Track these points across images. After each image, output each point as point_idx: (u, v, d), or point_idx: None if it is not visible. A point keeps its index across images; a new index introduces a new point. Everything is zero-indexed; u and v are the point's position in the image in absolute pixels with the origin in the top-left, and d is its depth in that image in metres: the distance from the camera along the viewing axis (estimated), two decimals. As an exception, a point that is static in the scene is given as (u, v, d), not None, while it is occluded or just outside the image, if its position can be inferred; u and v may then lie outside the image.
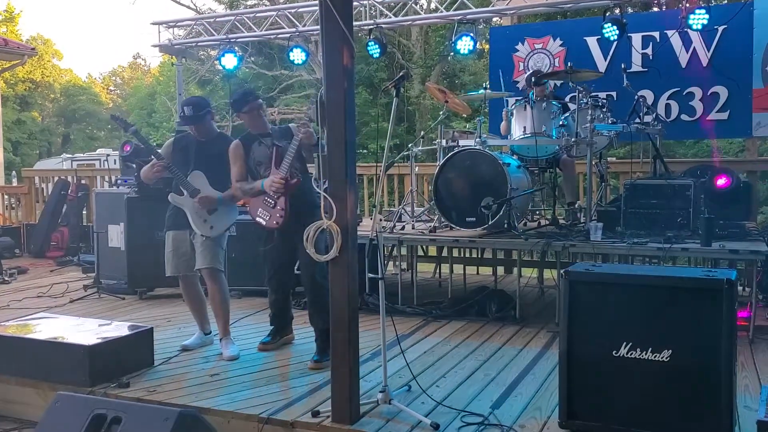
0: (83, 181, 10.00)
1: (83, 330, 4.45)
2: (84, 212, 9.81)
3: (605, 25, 6.86)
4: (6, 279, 7.66)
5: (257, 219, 4.57)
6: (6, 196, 11.23)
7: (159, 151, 4.81)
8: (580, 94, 5.78)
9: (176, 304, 6.11)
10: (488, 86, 6.47)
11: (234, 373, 4.27)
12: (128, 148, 7.20)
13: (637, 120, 6.04)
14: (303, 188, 4.51)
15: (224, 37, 8.98)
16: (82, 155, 24.40)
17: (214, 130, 4.87)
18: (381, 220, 3.57)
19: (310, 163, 4.66)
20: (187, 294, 4.88)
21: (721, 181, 5.97)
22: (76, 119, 40.75)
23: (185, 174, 4.66)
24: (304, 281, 4.56)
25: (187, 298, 4.90)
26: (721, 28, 7.02)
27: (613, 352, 3.13)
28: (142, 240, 6.37)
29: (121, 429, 3.08)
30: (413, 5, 8.62)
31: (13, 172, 16.79)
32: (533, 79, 6.38)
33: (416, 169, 6.90)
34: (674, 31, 7.12)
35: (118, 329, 4.50)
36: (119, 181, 7.56)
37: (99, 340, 4.17)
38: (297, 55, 8.51)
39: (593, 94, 6.24)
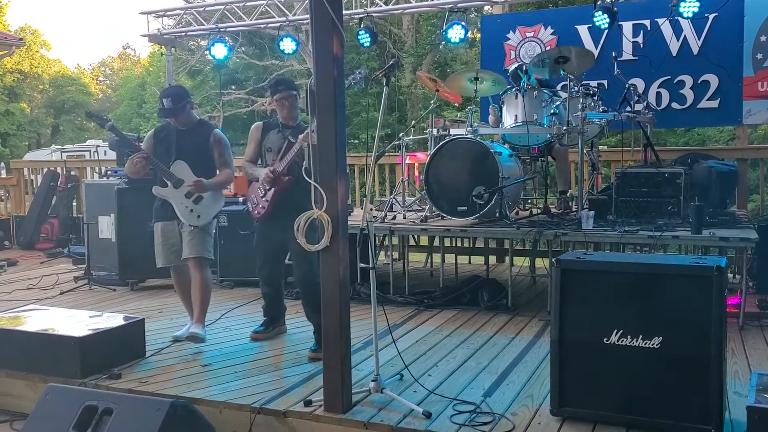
0: (73, 173, 9.95)
1: (74, 321, 4.44)
2: (74, 203, 9.76)
3: (596, 13, 6.84)
4: (-4, 271, 7.63)
5: (248, 204, 4.65)
6: (-5, 188, 11.16)
7: (141, 144, 4.78)
8: (571, 83, 5.78)
9: (168, 295, 6.10)
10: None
11: (226, 363, 4.26)
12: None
13: (628, 108, 6.04)
14: (296, 187, 4.36)
15: (213, 26, 8.91)
16: (71, 146, 24.27)
17: (194, 117, 4.80)
18: (372, 209, 3.56)
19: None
20: (178, 284, 4.85)
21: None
22: (66, 110, 40.52)
23: (167, 165, 4.61)
24: (297, 280, 4.56)
25: (179, 288, 4.87)
26: (711, 16, 7.02)
27: (604, 340, 3.15)
28: (132, 231, 6.34)
29: (112, 420, 3.08)
30: (404, -6, 8.58)
31: (2, 164, 16.70)
32: (519, 73, 6.35)
33: (407, 158, 6.89)
34: (665, 19, 7.11)
35: (110, 320, 4.49)
36: (109, 172, 7.52)
37: (90, 332, 4.15)
38: (287, 45, 8.46)
39: (584, 82, 6.23)
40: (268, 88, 4.81)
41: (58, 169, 9.95)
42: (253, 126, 4.76)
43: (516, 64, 7.01)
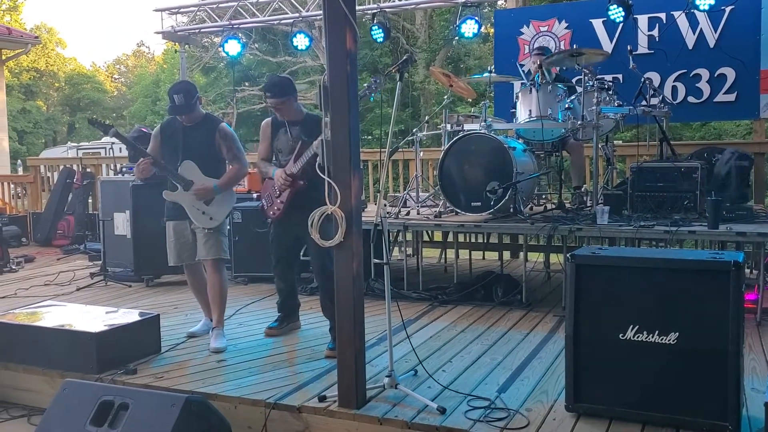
0: (88, 170, 10.01)
1: (90, 317, 4.47)
2: (90, 200, 9.84)
3: (611, 7, 6.79)
4: (13, 267, 7.70)
5: (262, 202, 4.60)
6: (12, 185, 11.27)
7: (148, 145, 4.73)
8: (586, 77, 5.74)
9: (182, 291, 6.13)
10: (493, 70, 6.44)
11: (241, 358, 4.28)
12: (146, 130, 6.94)
13: (644, 102, 5.99)
14: (310, 186, 4.39)
15: (227, 23, 8.95)
16: (87, 144, 24.41)
17: (201, 113, 4.66)
18: (386, 205, 3.56)
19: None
20: (192, 282, 4.86)
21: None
22: (81, 108, 40.78)
23: (175, 167, 4.55)
24: (315, 271, 4.52)
25: (193, 286, 4.88)
26: (728, 9, 6.95)
27: (620, 335, 3.12)
28: (148, 227, 6.36)
29: (128, 415, 3.09)
30: (417, -11, 8.55)
31: (19, 161, 16.86)
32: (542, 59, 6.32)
33: (421, 154, 6.88)
34: (681, 12, 7.05)
35: (125, 316, 4.51)
36: (124, 169, 7.56)
37: (106, 328, 4.18)
38: (300, 41, 8.47)
39: (599, 76, 6.19)
40: (275, 87, 4.52)
41: (74, 166, 10.02)
42: (263, 123, 4.66)
43: (536, 47, 7.01)
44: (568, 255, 3.31)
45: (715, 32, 7.07)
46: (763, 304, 4.84)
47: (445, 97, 6.51)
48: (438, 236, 7.74)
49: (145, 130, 6.92)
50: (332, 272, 3.87)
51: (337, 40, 3.29)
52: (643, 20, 7.34)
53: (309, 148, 4.37)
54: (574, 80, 6.35)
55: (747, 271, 5.74)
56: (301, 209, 4.19)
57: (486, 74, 6.36)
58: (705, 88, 7.15)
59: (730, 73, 7.03)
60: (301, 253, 4.84)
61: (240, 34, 8.92)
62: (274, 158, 4.65)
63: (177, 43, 9.78)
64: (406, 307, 5.40)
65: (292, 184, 4.42)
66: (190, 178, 4.54)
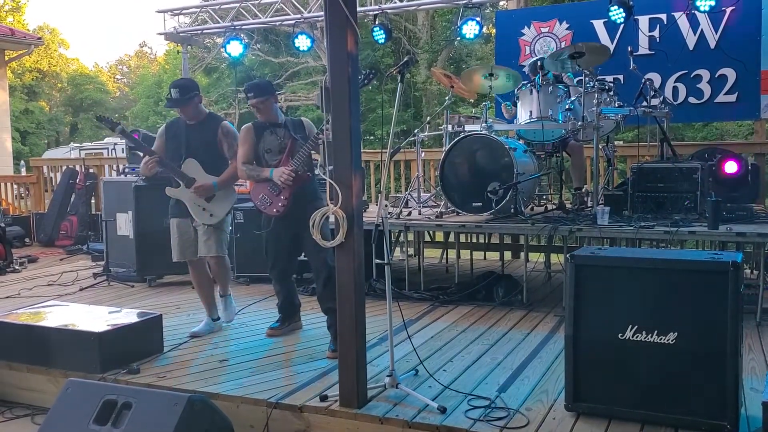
0: (91, 170, 10.04)
1: (93, 317, 4.50)
2: (92, 201, 9.86)
3: (611, 8, 6.80)
4: (16, 268, 7.73)
5: (257, 203, 4.58)
6: (15, 186, 11.31)
7: (152, 141, 4.81)
8: (587, 78, 5.75)
9: (185, 291, 6.16)
10: (494, 72, 6.42)
11: (243, 358, 4.30)
12: (137, 136, 7.06)
13: (644, 103, 6.01)
14: (310, 182, 4.57)
15: (229, 24, 8.96)
16: (89, 144, 24.47)
17: (203, 111, 4.75)
18: (387, 206, 3.57)
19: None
20: (195, 278, 4.91)
21: (731, 168, 5.91)
22: (84, 108, 40.84)
23: (178, 164, 4.62)
24: (315, 266, 4.51)
25: (196, 282, 4.93)
26: (728, 10, 6.96)
27: (619, 335, 3.14)
28: (150, 228, 6.40)
29: (131, 414, 3.12)
30: (418, -10, 8.56)
31: (22, 162, 16.89)
32: (539, 63, 6.34)
33: (422, 154, 6.90)
34: (681, 12, 7.07)
35: (128, 316, 4.54)
36: (127, 170, 7.59)
37: (109, 327, 4.20)
38: (302, 42, 8.49)
39: (600, 77, 6.20)
40: (254, 87, 4.59)
41: (77, 167, 10.05)
42: (243, 128, 4.66)
43: (533, 59, 6.99)
44: (568, 255, 3.33)
45: (716, 33, 7.08)
46: (762, 304, 4.85)
47: (447, 97, 6.52)
48: (439, 236, 7.76)
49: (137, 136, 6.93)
50: (333, 267, 3.88)
51: (338, 42, 3.31)
52: (643, 21, 7.35)
53: (305, 144, 4.44)
54: (574, 81, 6.36)
55: (747, 271, 5.77)
56: (302, 205, 4.26)
57: (485, 78, 6.30)
58: (706, 88, 7.17)
59: (730, 74, 7.05)
60: (300, 255, 4.84)
61: (242, 35, 8.92)
62: (258, 160, 4.61)
63: (179, 44, 9.79)
64: (407, 307, 5.42)
65: (296, 179, 4.44)
66: (192, 175, 4.63)
